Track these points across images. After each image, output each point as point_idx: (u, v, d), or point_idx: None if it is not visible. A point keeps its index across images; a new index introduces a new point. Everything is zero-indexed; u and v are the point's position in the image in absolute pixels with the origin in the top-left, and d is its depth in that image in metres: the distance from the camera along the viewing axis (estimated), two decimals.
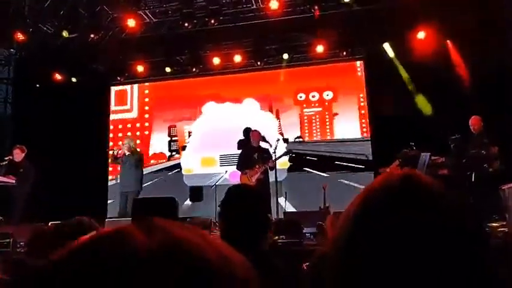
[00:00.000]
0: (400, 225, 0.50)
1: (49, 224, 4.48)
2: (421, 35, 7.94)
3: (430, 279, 0.48)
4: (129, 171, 6.92)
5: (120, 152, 6.99)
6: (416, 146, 6.25)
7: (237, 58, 9.07)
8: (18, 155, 6.71)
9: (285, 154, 7.05)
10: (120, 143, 7.34)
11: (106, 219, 6.33)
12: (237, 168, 7.04)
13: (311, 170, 9.05)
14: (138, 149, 7.65)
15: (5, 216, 6.09)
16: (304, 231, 5.20)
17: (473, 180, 5.97)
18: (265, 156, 6.78)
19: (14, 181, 6.41)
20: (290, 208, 7.55)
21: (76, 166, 8.65)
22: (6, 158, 6.66)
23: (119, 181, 7.38)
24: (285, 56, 8.97)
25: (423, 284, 0.48)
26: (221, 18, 7.91)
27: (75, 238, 0.60)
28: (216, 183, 8.08)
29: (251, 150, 6.98)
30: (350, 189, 7.98)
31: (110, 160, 7.01)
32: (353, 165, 8.90)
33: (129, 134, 9.82)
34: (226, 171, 8.41)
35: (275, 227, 5.06)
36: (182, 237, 0.36)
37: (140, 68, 9.49)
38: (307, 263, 1.81)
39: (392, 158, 6.44)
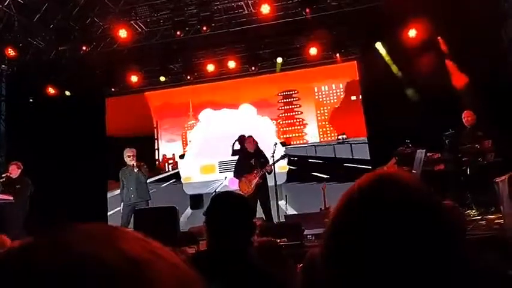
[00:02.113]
0: (370, 217, 0.65)
1: None
2: (412, 32, 7.98)
3: (395, 265, 0.61)
4: (139, 183, 6.93)
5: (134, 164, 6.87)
6: (412, 143, 6.29)
7: (231, 64, 9.07)
8: (14, 171, 6.69)
9: (282, 158, 7.03)
10: (129, 157, 7.03)
11: None
12: (234, 176, 7.03)
13: (317, 174, 8.97)
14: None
15: (5, 234, 6.05)
16: (305, 232, 5.23)
17: (468, 173, 6.02)
18: (262, 161, 6.78)
19: (12, 198, 6.38)
20: (291, 211, 7.56)
21: (74, 179, 8.63)
22: (3, 176, 6.63)
23: (124, 193, 7.18)
24: (279, 59, 8.99)
25: (390, 262, 0.61)
26: (213, 24, 7.91)
27: None
28: (216, 190, 8.08)
29: (248, 156, 6.96)
30: None
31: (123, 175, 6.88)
32: (352, 165, 8.92)
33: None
34: (225, 178, 8.39)
35: (277, 230, 5.08)
36: (84, 252, 0.37)
37: (134, 78, 9.44)
38: (301, 265, 1.84)
39: (389, 156, 6.47)
